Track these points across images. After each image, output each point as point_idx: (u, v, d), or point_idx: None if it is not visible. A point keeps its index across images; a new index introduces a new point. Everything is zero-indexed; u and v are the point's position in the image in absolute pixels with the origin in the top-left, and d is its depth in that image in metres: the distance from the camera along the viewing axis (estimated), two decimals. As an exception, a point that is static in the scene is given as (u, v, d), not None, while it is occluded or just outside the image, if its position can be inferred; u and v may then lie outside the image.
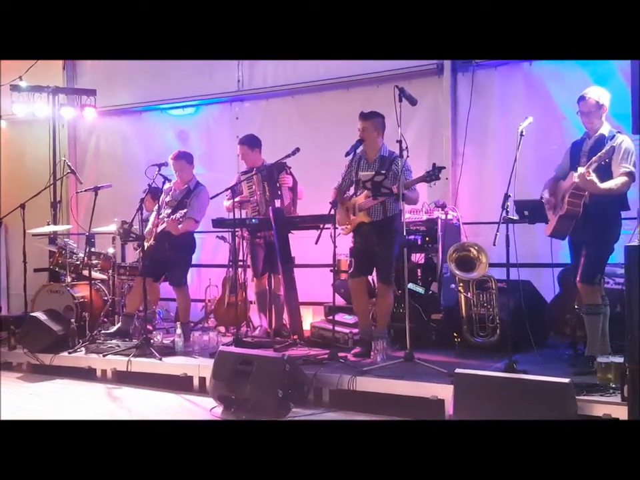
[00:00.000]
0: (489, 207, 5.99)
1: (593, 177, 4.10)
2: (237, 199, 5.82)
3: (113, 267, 6.70)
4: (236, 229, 5.97)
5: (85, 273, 6.58)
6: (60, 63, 8.53)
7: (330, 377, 4.70)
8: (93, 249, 6.70)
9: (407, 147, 4.83)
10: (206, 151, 7.67)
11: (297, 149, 5.59)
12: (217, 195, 5.96)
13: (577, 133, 4.75)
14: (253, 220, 5.88)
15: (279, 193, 5.91)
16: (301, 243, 5.97)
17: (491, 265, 5.14)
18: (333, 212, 5.15)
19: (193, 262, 6.56)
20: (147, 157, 7.39)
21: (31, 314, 6.33)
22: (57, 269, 7.04)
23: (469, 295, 5.21)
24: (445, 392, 4.18)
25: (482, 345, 5.14)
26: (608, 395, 3.84)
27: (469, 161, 6.40)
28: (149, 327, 6.23)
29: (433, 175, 4.81)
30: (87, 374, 5.84)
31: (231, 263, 6.47)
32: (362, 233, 5.23)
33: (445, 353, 5.17)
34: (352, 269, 5.32)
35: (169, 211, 6.07)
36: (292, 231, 5.86)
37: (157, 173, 5.97)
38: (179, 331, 5.89)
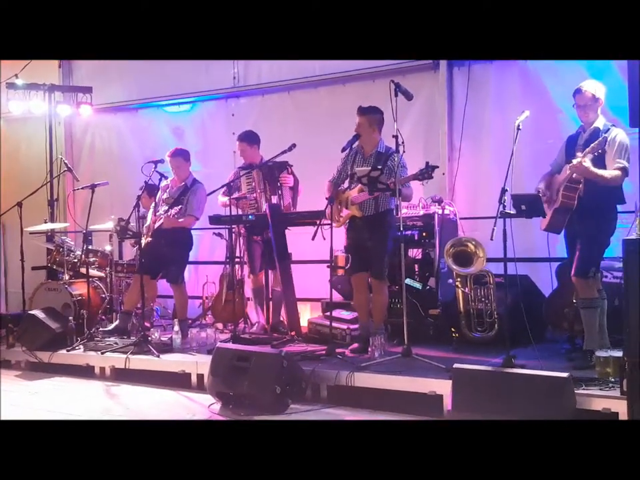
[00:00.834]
0: (485, 201, 5.97)
1: (588, 162, 4.09)
2: (234, 196, 5.81)
3: (111, 265, 6.69)
4: (233, 226, 5.94)
5: (83, 270, 6.56)
6: (56, 60, 8.48)
7: (328, 373, 4.68)
8: (90, 247, 6.69)
9: (403, 142, 4.80)
10: (202, 148, 7.64)
11: (293, 145, 5.56)
12: (214, 191, 5.99)
13: (573, 127, 4.72)
14: (250, 216, 5.86)
15: (280, 191, 5.89)
16: (298, 239, 5.95)
17: (489, 260, 5.12)
18: (329, 209, 5.13)
19: (190, 259, 6.55)
20: (143, 154, 7.38)
21: (29, 312, 6.33)
22: (54, 267, 7.03)
23: (467, 290, 5.19)
24: (443, 387, 4.16)
25: (480, 339, 5.12)
26: (607, 388, 3.83)
27: (466, 156, 6.37)
28: (147, 324, 6.22)
29: (425, 173, 4.78)
30: (85, 371, 5.83)
31: (228, 260, 6.44)
32: (355, 228, 5.19)
33: (442, 348, 5.14)
34: (350, 266, 5.30)
35: (166, 207, 6.05)
36: (289, 227, 5.84)
37: (153, 170, 5.97)
38: (176, 328, 5.88)
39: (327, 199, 5.16)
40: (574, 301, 4.65)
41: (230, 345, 5.08)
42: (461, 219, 6.02)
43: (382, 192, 4.99)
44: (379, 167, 5.01)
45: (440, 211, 5.72)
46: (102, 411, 4.73)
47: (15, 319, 6.63)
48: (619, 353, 3.82)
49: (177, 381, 5.32)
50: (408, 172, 4.97)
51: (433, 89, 6.47)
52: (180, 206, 5.92)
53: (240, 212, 5.94)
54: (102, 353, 5.77)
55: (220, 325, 6.63)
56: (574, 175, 4.25)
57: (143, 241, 6.10)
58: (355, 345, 5.24)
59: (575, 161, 4.17)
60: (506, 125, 5.48)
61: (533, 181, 4.78)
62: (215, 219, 5.98)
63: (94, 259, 6.72)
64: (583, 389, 3.83)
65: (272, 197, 5.89)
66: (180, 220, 5.94)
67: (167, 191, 6.24)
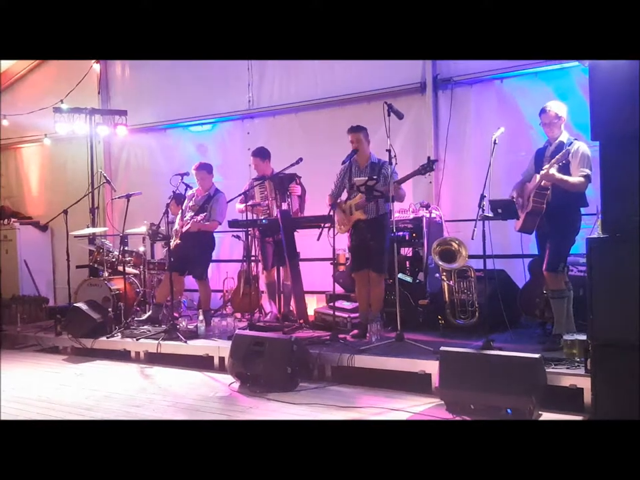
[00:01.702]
0: (467, 206, 5.93)
1: (553, 170, 4.10)
2: (249, 203, 5.82)
3: (144, 263, 6.68)
4: (249, 229, 5.94)
5: (120, 268, 6.55)
6: (95, 87, 8.49)
7: (332, 355, 4.68)
8: (126, 248, 6.67)
9: (395, 155, 4.80)
10: (222, 162, 7.62)
11: (300, 159, 5.55)
12: (232, 199, 6.02)
13: (541, 141, 4.70)
14: (263, 220, 5.85)
15: (289, 199, 5.89)
16: (305, 240, 5.94)
17: (470, 257, 5.10)
18: (332, 213, 5.13)
19: (213, 258, 6.54)
20: (171, 168, 7.34)
21: (74, 304, 6.32)
22: (95, 266, 7.01)
23: (451, 282, 5.17)
24: (431, 367, 4.15)
25: (463, 326, 5.10)
26: (573, 367, 3.81)
27: (449, 167, 6.34)
28: (176, 315, 6.20)
29: (427, 167, 4.76)
30: (122, 355, 5.83)
31: (244, 258, 6.43)
32: (358, 229, 5.18)
33: (430, 333, 5.12)
34: (353, 264, 5.28)
35: (192, 214, 6.06)
36: (297, 230, 5.83)
37: (180, 181, 5.98)
38: (201, 317, 5.89)
39: (329, 205, 5.17)
40: (544, 291, 4.64)
41: (247, 332, 5.08)
42: (446, 221, 5.99)
43: (378, 198, 4.98)
44: (375, 176, 5.00)
45: (427, 215, 5.70)
46: (138, 389, 4.73)
47: (62, 311, 6.64)
48: (584, 337, 3.80)
49: (202, 363, 5.32)
50: (398, 177, 4.96)
51: (420, 109, 6.44)
52: (205, 213, 5.93)
53: (254, 217, 5.94)
54: (137, 339, 5.78)
55: (238, 315, 6.61)
56: (542, 183, 4.24)
57: (172, 243, 6.11)
58: (355, 331, 5.23)
59: (542, 171, 4.17)
60: (484, 140, 5.48)
61: (507, 188, 4.76)
62: (234, 223, 5.99)
63: (129, 258, 6.70)
64: (553, 368, 3.81)
65: (282, 203, 5.88)
66: (205, 224, 5.94)
67: (193, 199, 6.26)
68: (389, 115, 4.79)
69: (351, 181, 5.19)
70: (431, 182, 6.26)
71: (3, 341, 6.83)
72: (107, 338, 5.98)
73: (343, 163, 5.16)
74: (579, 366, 3.79)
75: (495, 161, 4.40)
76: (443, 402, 3.83)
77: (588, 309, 3.25)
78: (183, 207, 6.25)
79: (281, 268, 5.98)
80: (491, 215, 4.43)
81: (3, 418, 4.01)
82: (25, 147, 9.39)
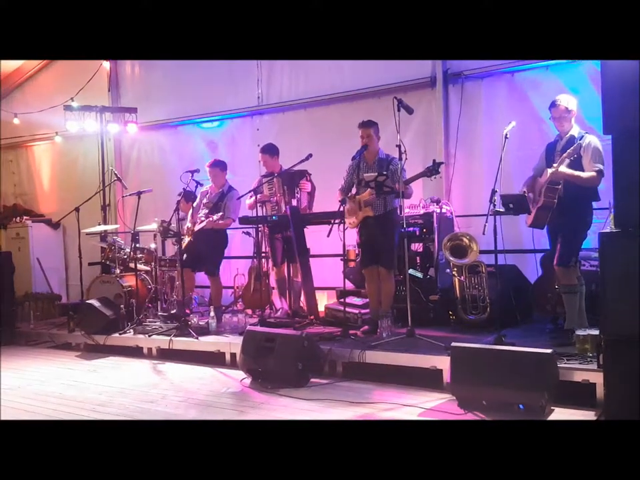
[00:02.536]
0: (478, 201, 5.93)
1: (563, 167, 4.08)
2: (258, 196, 5.81)
3: (155, 260, 6.71)
4: (259, 225, 5.96)
5: (131, 265, 6.60)
6: (105, 85, 8.53)
7: (342, 351, 4.68)
8: (137, 245, 6.71)
9: (405, 151, 4.77)
10: (232, 158, 7.62)
11: (310, 155, 5.55)
12: (242, 195, 6.05)
13: (553, 135, 4.67)
14: (274, 217, 5.87)
15: (298, 195, 5.89)
16: (315, 236, 5.95)
17: (481, 252, 5.08)
18: (342, 209, 5.12)
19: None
20: (182, 165, 7.39)
21: (87, 301, 6.37)
22: (107, 263, 7.07)
23: (462, 278, 5.16)
24: (442, 363, 4.15)
25: (474, 321, 5.09)
26: (585, 363, 3.80)
27: (460, 161, 6.32)
28: (187, 311, 6.24)
29: (433, 169, 4.75)
30: (135, 351, 5.87)
31: (255, 255, 6.45)
32: (367, 226, 5.17)
33: (442, 329, 5.12)
34: (363, 261, 5.28)
35: (206, 211, 6.09)
36: (307, 226, 5.84)
37: (190, 178, 6.02)
38: (212, 313, 5.90)
39: (339, 201, 5.16)
40: (556, 286, 4.61)
41: (258, 328, 5.09)
42: (456, 216, 5.97)
43: (388, 194, 4.98)
44: (384, 172, 4.99)
45: (438, 210, 5.69)
46: (150, 385, 4.75)
47: (75, 308, 6.70)
48: (596, 332, 3.78)
49: (213, 359, 5.34)
50: (407, 175, 4.95)
51: (430, 104, 6.42)
52: (221, 212, 5.93)
53: (264, 213, 5.95)
54: (149, 336, 5.82)
55: (249, 311, 6.63)
56: (553, 178, 4.22)
57: (185, 240, 6.14)
58: (366, 327, 5.22)
59: (552, 169, 4.14)
60: (495, 134, 5.46)
61: (519, 183, 4.74)
62: (244, 220, 6.01)
63: (141, 255, 6.74)
64: (565, 363, 3.80)
65: (291, 200, 5.88)
66: (220, 222, 5.97)
67: (207, 196, 6.29)
68: (398, 110, 4.77)
69: (359, 177, 5.19)
70: (441, 177, 6.21)
71: (17, 337, 6.91)
72: (120, 334, 6.02)
73: (353, 158, 5.15)
74: (591, 361, 3.77)
75: (506, 155, 4.38)
76: (454, 397, 3.82)
77: (600, 303, 3.23)
78: (195, 205, 6.28)
79: (290, 264, 6.00)
80: (502, 209, 4.42)
81: (17, 414, 4.06)
82: (36, 145, 9.47)
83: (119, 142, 8.65)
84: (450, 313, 5.21)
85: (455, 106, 6.33)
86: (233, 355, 5.18)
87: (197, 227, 6.06)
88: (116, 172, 7.33)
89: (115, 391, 4.59)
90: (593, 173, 4.12)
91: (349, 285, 5.90)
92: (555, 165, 4.17)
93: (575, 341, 4.04)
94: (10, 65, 8.90)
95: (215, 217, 5.87)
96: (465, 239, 5.10)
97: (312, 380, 4.50)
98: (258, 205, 5.73)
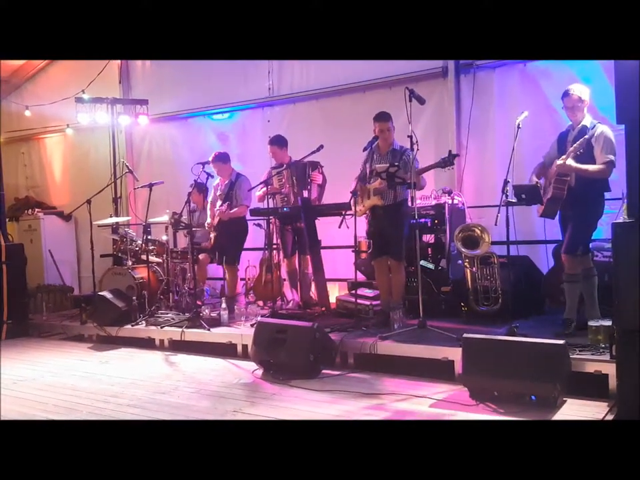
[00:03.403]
0: (490, 191, 5.92)
1: (570, 160, 4.09)
2: (267, 188, 5.82)
3: (167, 252, 6.76)
4: (270, 217, 5.99)
5: (143, 257, 6.66)
6: (116, 77, 8.58)
7: (354, 343, 4.71)
8: (149, 237, 6.74)
9: (417, 141, 4.77)
10: (242, 150, 7.69)
11: (321, 146, 5.56)
12: (253, 187, 6.09)
13: (566, 125, 4.65)
14: (285, 208, 5.89)
15: (309, 187, 5.90)
16: (326, 228, 5.97)
17: (493, 243, 5.08)
18: (352, 201, 5.13)
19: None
20: (193, 157, 7.43)
21: (99, 293, 6.44)
22: (119, 255, 7.14)
23: (474, 269, 5.16)
24: (454, 354, 4.16)
25: (486, 312, 5.09)
26: (598, 353, 3.80)
27: (472, 152, 6.31)
28: (199, 303, 6.28)
29: (448, 161, 4.75)
30: (147, 343, 5.92)
31: (266, 247, 6.49)
32: (376, 216, 5.17)
33: (453, 320, 5.13)
34: (372, 251, 5.29)
35: (221, 203, 6.20)
36: (318, 218, 5.86)
37: (201, 170, 6.07)
38: (224, 305, 5.94)
39: (351, 192, 5.15)
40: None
41: (270, 320, 5.13)
42: (468, 207, 5.96)
43: (400, 185, 4.98)
44: (397, 163, 4.99)
45: (450, 201, 5.69)
46: (163, 376, 4.81)
47: (87, 299, 6.78)
48: (609, 323, 3.79)
49: (225, 350, 5.38)
50: (419, 166, 4.95)
51: (442, 94, 6.41)
52: (227, 202, 5.98)
53: (274, 205, 5.98)
54: (161, 327, 5.87)
55: (261, 302, 6.67)
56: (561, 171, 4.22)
57: (212, 236, 6.29)
58: (378, 318, 5.25)
59: (559, 161, 4.14)
60: (507, 124, 5.45)
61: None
62: (255, 211, 6.05)
63: (152, 247, 6.79)
64: (578, 354, 3.80)
65: (302, 191, 5.90)
66: (234, 211, 6.00)
67: (219, 188, 6.37)
68: (410, 101, 4.76)
69: (371, 167, 5.20)
70: (453, 168, 6.17)
71: (29, 329, 7.00)
72: (132, 326, 6.08)
73: (364, 149, 5.16)
74: (603, 352, 3.78)
75: (518, 145, 4.37)
76: (466, 389, 3.84)
77: (613, 294, 3.23)
78: (211, 199, 6.35)
79: (301, 256, 6.02)
80: (514, 200, 4.42)
81: (31, 405, 4.13)
82: (47, 137, 9.55)
83: (130, 134, 8.71)
84: (462, 304, 5.22)
85: (466, 96, 6.32)
86: (245, 347, 5.22)
87: (214, 221, 6.14)
88: (127, 164, 7.37)
89: (128, 382, 4.64)
90: (602, 166, 4.11)
91: (360, 277, 5.93)
92: (563, 157, 4.16)
93: (588, 332, 4.03)
94: (21, 58, 8.96)
95: (223, 207, 5.93)
96: (476, 230, 5.10)
97: (323, 371, 4.52)
98: (268, 196, 5.76)
